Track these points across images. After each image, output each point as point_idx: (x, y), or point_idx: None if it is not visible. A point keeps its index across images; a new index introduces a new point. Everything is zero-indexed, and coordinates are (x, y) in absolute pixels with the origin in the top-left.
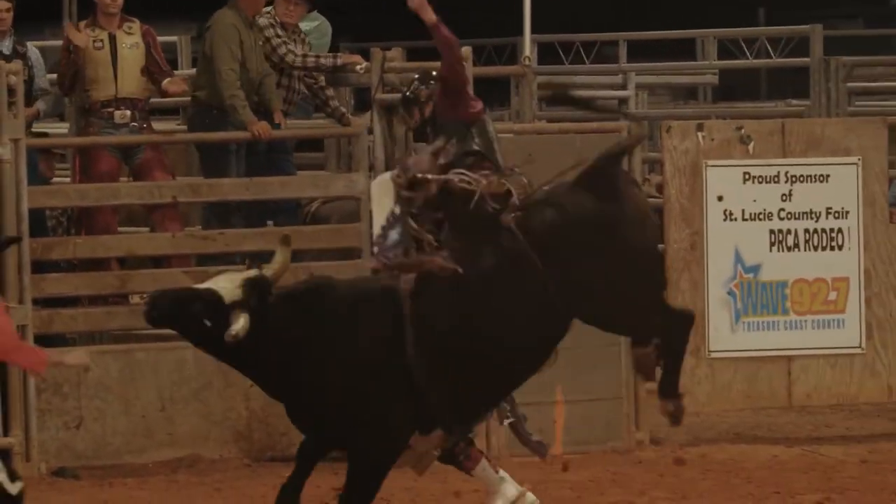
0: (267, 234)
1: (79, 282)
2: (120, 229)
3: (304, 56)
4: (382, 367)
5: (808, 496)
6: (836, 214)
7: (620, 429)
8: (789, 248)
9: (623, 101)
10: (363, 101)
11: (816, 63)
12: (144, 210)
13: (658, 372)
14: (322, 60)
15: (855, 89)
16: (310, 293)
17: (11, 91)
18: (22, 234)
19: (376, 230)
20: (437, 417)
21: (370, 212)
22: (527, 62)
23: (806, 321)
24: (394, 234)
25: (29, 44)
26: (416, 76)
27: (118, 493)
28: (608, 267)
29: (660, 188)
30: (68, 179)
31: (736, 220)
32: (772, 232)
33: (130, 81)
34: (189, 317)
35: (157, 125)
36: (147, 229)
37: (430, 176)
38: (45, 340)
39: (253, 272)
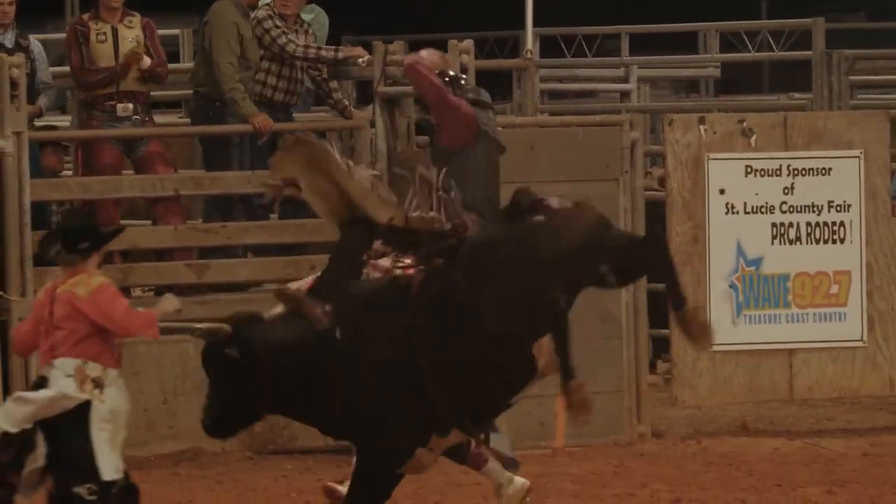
0: (269, 227)
1: None
2: (122, 222)
3: (306, 47)
4: (389, 369)
5: (810, 489)
6: (838, 208)
7: (622, 422)
8: (791, 242)
9: (625, 94)
10: (366, 94)
11: (818, 56)
12: (147, 203)
13: (710, 327)
14: (323, 52)
15: (857, 82)
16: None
17: (14, 84)
18: (24, 227)
19: None
20: (449, 419)
21: None
22: (529, 55)
23: (808, 314)
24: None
25: (31, 37)
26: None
27: None
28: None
29: (662, 181)
30: (70, 173)
31: (738, 213)
32: (774, 225)
33: (132, 75)
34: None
35: (159, 118)
36: (149, 222)
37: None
38: None
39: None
